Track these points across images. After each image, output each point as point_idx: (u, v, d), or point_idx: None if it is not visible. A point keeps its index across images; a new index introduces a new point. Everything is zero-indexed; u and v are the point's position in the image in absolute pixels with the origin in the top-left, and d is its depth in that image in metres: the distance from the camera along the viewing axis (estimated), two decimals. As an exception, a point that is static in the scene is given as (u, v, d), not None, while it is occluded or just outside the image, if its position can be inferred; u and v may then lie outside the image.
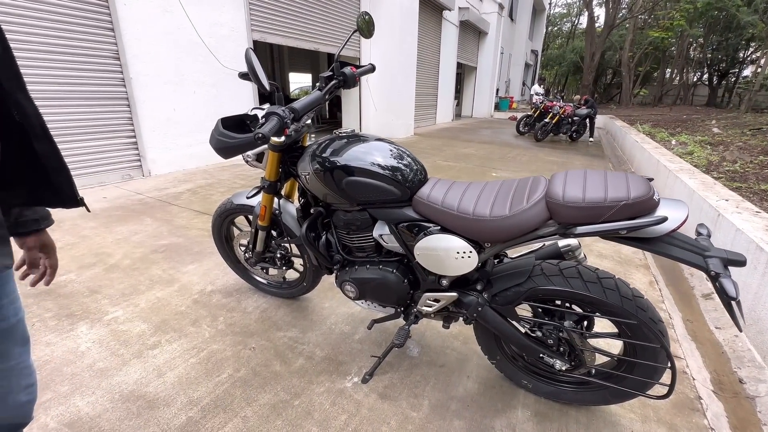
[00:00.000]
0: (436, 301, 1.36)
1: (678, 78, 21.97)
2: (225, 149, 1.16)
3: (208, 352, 1.65)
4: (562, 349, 1.28)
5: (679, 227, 0.95)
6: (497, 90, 17.48)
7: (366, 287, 1.45)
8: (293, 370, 1.57)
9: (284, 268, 1.86)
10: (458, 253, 1.20)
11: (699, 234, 1.05)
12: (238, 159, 5.47)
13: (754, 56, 20.36)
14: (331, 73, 1.50)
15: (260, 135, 1.02)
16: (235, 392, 1.45)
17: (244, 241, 1.93)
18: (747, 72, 22.04)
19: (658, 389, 1.21)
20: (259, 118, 1.25)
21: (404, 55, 8.29)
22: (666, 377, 1.24)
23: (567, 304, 1.26)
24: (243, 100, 5.46)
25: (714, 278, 0.92)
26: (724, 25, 17.80)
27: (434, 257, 1.24)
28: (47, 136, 0.70)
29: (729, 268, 0.95)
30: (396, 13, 7.76)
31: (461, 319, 1.43)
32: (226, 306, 1.99)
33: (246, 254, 1.94)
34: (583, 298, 1.16)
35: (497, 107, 17.32)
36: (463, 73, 15.29)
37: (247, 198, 1.65)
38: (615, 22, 17.85)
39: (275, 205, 1.65)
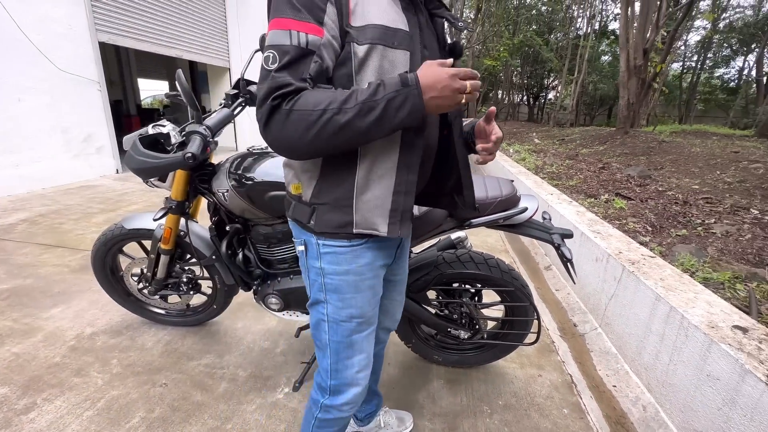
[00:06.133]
0: (360, 298, 1.50)
1: (507, 98, 27.01)
2: (148, 170, 1.08)
3: (107, 400, 1.44)
4: (464, 321, 1.58)
5: (534, 214, 1.32)
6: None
7: (291, 297, 1.50)
8: (218, 396, 1.50)
9: (191, 293, 1.75)
10: (379, 252, 1.38)
11: (544, 218, 1.46)
12: (91, 180, 4.63)
13: (554, 84, 26.48)
14: (237, 91, 1.51)
15: (190, 155, 1.01)
16: (154, 434, 1.32)
17: (137, 270, 1.74)
18: (551, 95, 28.54)
19: (530, 339, 1.61)
20: (171, 135, 1.20)
21: (278, 67, 8.21)
22: (534, 328, 1.64)
23: (463, 284, 1.57)
24: (89, 110, 4.64)
25: (557, 248, 1.31)
26: (533, 58, 22.73)
27: (358, 259, 1.39)
28: (467, 165, 0.91)
29: (565, 239, 1.36)
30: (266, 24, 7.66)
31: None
32: (117, 347, 1.74)
33: (140, 284, 1.75)
34: (476, 277, 1.47)
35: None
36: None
37: (155, 220, 1.51)
38: (458, 50, 20.97)
39: (180, 226, 1.56)
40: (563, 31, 20.86)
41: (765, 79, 18.65)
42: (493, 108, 0.82)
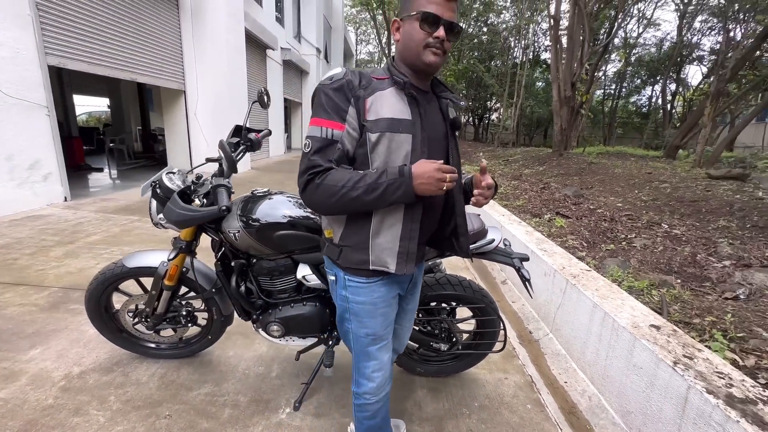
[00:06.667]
0: (355, 321, 1.70)
1: (454, 119, 28.69)
2: (187, 221, 1.21)
3: (113, 436, 1.49)
4: (443, 335, 1.83)
5: (499, 244, 1.62)
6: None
7: (292, 323, 1.66)
8: (224, 422, 1.60)
9: (189, 325, 1.83)
10: (373, 280, 1.60)
11: (505, 245, 1.77)
12: (37, 210, 4.35)
13: (496, 106, 28.54)
14: (238, 139, 1.68)
15: (225, 208, 1.18)
16: (168, 462, 1.40)
17: (132, 306, 1.79)
18: (494, 117, 30.70)
19: (498, 347, 1.89)
20: (190, 184, 1.34)
21: (235, 89, 8.21)
22: (501, 337, 1.93)
23: (440, 303, 1.83)
24: (36, 135, 4.40)
25: (518, 270, 1.61)
26: (477, 83, 24.47)
27: (354, 286, 1.60)
28: (463, 214, 1.17)
29: (523, 262, 1.68)
30: (223, 48, 7.67)
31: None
32: (111, 383, 1.77)
33: (134, 319, 1.80)
34: (453, 297, 1.74)
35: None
36: (290, 107, 15.88)
37: (170, 260, 1.60)
38: (408, 74, 22.05)
39: (185, 264, 1.66)
40: (502, 60, 22.73)
41: (668, 106, 21.63)
42: (483, 163, 1.07)
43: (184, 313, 1.80)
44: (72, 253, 3.22)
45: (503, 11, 24.14)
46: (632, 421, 1.63)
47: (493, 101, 28.46)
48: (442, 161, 0.95)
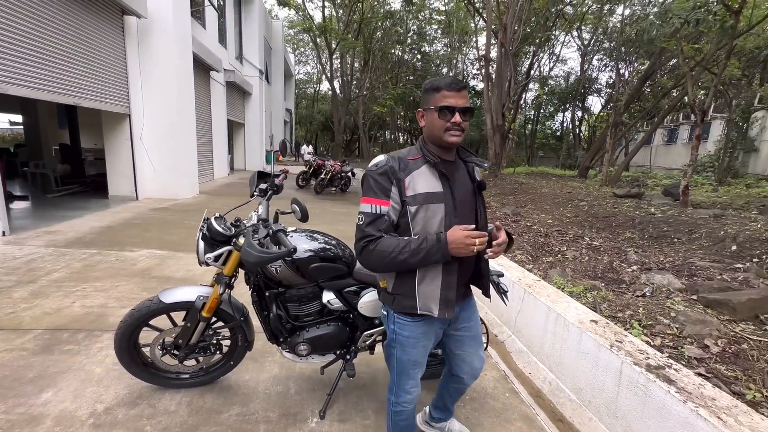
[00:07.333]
0: (371, 336, 2.02)
1: (394, 138, 29.95)
2: (264, 262, 1.44)
3: (164, 460, 1.63)
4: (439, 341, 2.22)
5: (483, 264, 2.07)
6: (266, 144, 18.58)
7: (318, 342, 1.93)
8: (262, 436, 1.81)
9: (217, 353, 2.00)
10: (388, 300, 1.94)
11: (484, 265, 2.22)
12: (-26, 247, 3.96)
13: (432, 128, 30.60)
14: (266, 185, 1.95)
15: (293, 248, 1.46)
16: (225, 475, 1.58)
17: (161, 340, 1.92)
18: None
19: (480, 347, 2.32)
20: (230, 226, 1.60)
21: (183, 114, 8.02)
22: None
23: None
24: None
25: (497, 285, 2.07)
26: (414, 106, 26.03)
27: (373, 306, 1.93)
28: (486, 260, 1.42)
29: (499, 278, 2.14)
30: (171, 72, 7.51)
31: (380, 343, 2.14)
32: (141, 416, 1.86)
33: (163, 352, 1.93)
34: (448, 309, 2.14)
35: (267, 160, 18.40)
36: (232, 128, 15.53)
37: (220, 294, 1.77)
38: (351, 97, 22.82)
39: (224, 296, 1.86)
40: (436, 86, 24.47)
41: (577, 130, 24.92)
42: (498, 223, 1.28)
43: (214, 341, 1.97)
44: (39, 292, 3.07)
45: (435, 41, 26.20)
46: (584, 395, 2.14)
47: (429, 123, 30.44)
48: (473, 226, 1.19)
